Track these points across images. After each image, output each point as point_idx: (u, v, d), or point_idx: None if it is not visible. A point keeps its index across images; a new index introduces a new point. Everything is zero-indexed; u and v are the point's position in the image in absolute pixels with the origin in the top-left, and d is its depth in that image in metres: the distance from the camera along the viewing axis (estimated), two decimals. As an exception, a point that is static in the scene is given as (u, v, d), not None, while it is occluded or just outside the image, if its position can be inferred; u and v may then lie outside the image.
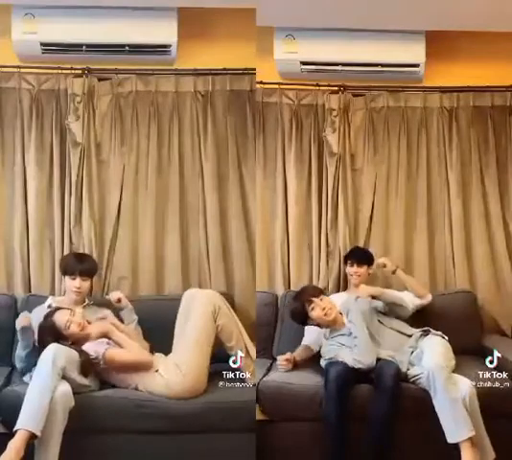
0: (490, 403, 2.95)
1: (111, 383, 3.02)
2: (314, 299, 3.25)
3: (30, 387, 2.75)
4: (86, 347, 2.98)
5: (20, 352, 3.11)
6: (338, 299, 3.45)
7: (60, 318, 3.02)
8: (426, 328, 3.24)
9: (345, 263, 3.67)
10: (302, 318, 3.30)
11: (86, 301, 3.38)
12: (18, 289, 3.66)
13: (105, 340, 3.03)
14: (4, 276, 3.69)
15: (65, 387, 2.78)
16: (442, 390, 2.85)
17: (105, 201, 3.76)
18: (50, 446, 2.68)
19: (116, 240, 3.74)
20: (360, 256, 3.63)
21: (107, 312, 3.29)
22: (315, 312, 3.23)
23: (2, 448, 2.61)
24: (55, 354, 2.80)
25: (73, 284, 3.31)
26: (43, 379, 2.74)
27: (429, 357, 2.99)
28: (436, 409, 2.84)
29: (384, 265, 3.59)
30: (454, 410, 2.81)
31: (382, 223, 3.90)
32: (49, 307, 3.27)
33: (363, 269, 3.59)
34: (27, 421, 2.64)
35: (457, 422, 2.79)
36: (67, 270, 3.35)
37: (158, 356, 3.13)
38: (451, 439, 2.79)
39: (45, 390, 2.71)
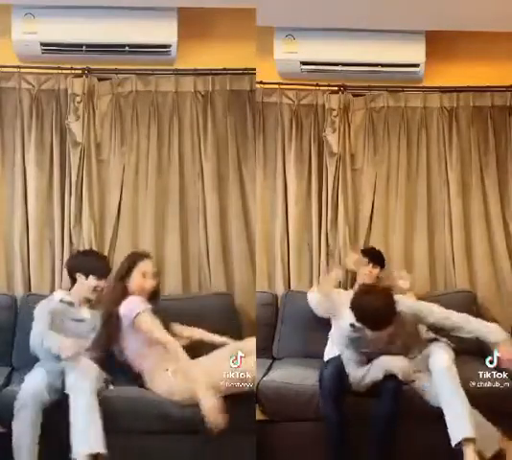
0: (490, 403, 2.95)
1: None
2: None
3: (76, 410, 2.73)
4: (124, 305, 3.02)
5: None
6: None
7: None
8: (433, 336, 3.23)
9: None
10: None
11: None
12: (18, 289, 3.66)
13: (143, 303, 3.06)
14: (4, 276, 3.69)
15: None
16: (452, 389, 2.86)
17: (105, 201, 3.77)
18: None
19: (116, 240, 3.74)
20: (376, 256, 3.60)
21: None
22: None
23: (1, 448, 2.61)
24: (88, 372, 2.83)
25: (98, 284, 3.26)
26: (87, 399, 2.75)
27: (437, 359, 2.99)
28: (444, 407, 2.85)
29: (401, 279, 3.52)
30: (463, 408, 2.81)
31: (382, 223, 3.90)
32: (61, 301, 3.23)
33: (377, 270, 3.57)
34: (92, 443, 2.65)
35: (464, 420, 2.78)
36: (96, 271, 3.27)
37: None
38: (456, 437, 2.77)
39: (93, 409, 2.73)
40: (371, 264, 3.56)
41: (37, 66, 3.72)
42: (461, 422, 2.80)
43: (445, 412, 2.85)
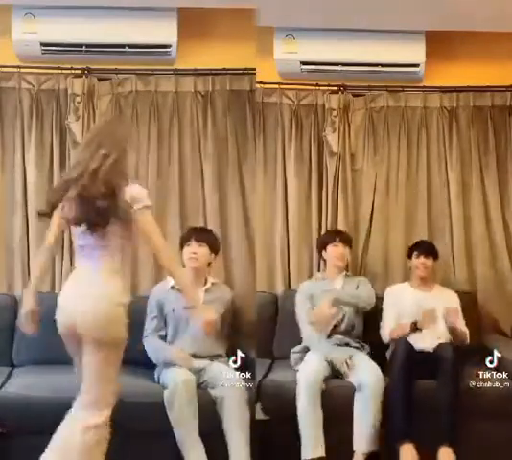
0: (490, 403, 2.95)
1: None
2: None
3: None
4: None
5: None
6: (403, 292, 3.51)
7: None
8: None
9: (410, 256, 3.59)
10: None
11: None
12: (18, 289, 3.65)
13: None
14: (4, 276, 3.69)
15: None
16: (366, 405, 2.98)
17: (105, 201, 3.76)
18: None
19: (116, 240, 3.73)
20: (427, 248, 3.57)
21: None
22: None
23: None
24: None
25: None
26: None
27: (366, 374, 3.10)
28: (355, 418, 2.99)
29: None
30: (371, 425, 2.96)
31: (382, 223, 3.90)
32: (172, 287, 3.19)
33: (430, 261, 3.53)
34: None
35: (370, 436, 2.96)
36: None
37: None
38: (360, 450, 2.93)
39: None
40: (423, 256, 3.53)
41: (37, 66, 3.72)
42: (367, 438, 2.93)
43: (354, 423, 2.95)
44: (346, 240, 3.61)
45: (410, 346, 3.16)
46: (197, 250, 3.22)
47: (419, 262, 3.52)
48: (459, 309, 3.37)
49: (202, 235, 3.29)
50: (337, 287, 3.50)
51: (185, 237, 3.30)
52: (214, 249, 3.30)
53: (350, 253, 3.63)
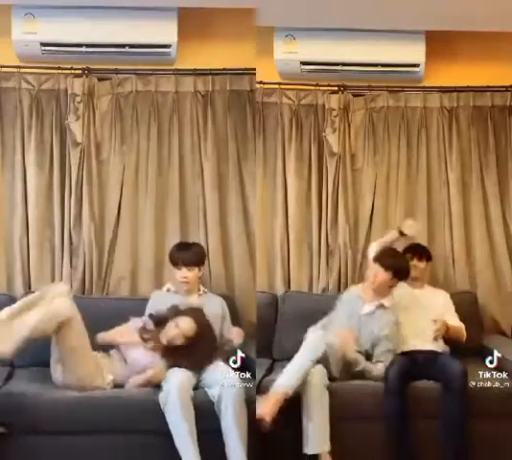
0: (490, 403, 2.95)
1: None
2: None
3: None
4: None
5: None
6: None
7: None
8: None
9: None
10: None
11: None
12: (18, 289, 3.65)
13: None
14: (4, 276, 3.69)
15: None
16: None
17: (105, 201, 3.77)
18: None
19: (116, 240, 3.74)
20: (420, 250, 3.58)
21: None
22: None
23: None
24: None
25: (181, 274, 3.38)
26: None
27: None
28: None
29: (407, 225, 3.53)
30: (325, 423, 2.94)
31: (382, 223, 3.90)
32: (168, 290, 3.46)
33: (423, 264, 3.55)
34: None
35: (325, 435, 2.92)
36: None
37: None
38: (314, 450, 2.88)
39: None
40: (416, 259, 3.52)
41: (37, 66, 3.72)
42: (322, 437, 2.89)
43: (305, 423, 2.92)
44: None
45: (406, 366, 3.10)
46: (187, 275, 3.38)
47: (411, 264, 3.46)
48: (452, 307, 3.45)
49: (190, 258, 3.39)
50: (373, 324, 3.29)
51: (174, 261, 3.42)
52: (202, 265, 3.45)
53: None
